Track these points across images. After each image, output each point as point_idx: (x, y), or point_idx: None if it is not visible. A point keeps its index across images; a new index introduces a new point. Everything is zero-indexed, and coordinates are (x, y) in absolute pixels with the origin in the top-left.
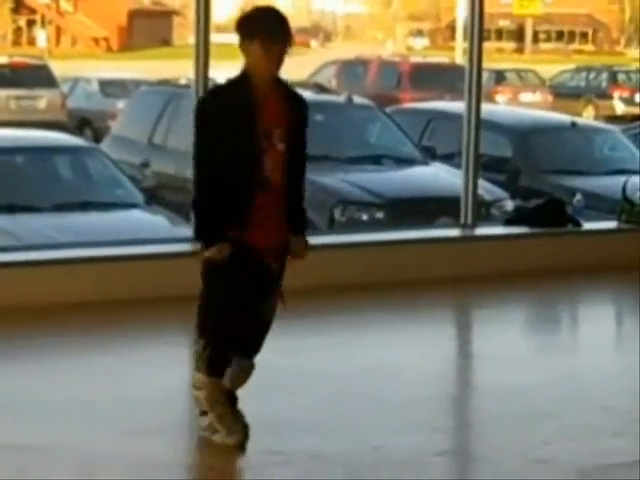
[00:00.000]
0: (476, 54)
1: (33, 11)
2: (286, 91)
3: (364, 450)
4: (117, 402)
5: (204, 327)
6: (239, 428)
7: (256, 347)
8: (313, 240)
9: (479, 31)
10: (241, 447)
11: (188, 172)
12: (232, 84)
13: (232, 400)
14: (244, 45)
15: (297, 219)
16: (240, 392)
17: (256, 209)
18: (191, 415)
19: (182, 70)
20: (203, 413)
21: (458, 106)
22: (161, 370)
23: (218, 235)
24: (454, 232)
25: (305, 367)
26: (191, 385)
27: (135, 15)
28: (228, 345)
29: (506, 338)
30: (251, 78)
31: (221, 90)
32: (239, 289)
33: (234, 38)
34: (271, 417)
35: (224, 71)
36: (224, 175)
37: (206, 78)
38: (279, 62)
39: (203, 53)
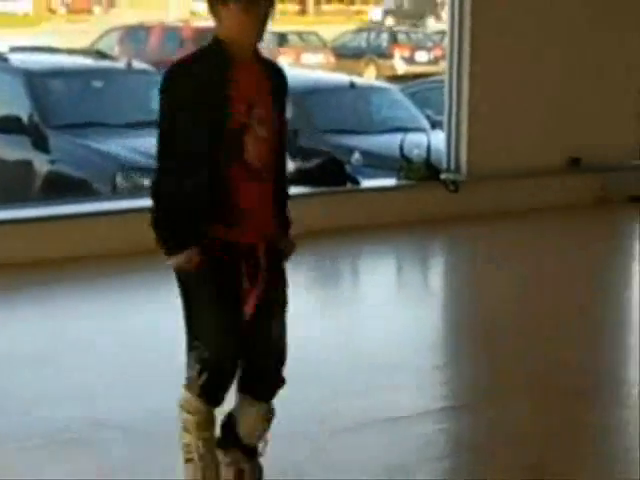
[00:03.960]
0: None
1: None
2: (266, 64)
3: (143, 414)
4: None
5: (196, 351)
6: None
7: (270, 386)
8: (98, 207)
9: None
10: None
11: None
12: (203, 53)
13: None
14: (215, 8)
15: (284, 218)
16: (14, 361)
17: (240, 201)
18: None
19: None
20: (187, 460)
21: None
22: None
23: (186, 240)
24: None
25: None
26: (179, 406)
27: None
28: (226, 373)
29: (290, 294)
30: (226, 46)
31: (190, 61)
32: (223, 309)
33: (15, 5)
34: (49, 388)
35: (6, 38)
36: (198, 164)
37: None
38: (262, 28)
39: None
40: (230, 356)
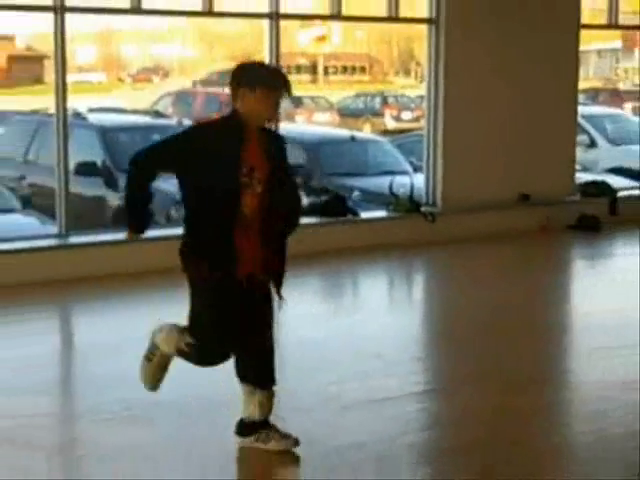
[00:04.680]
0: None
1: None
2: (267, 132)
3: (193, 396)
4: (2, 364)
5: (193, 333)
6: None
7: (268, 377)
8: (156, 233)
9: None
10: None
11: (54, 183)
12: (224, 120)
13: (268, 425)
14: (237, 89)
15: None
16: (94, 354)
17: (233, 245)
18: (60, 374)
19: (51, 102)
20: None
21: None
22: (34, 338)
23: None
24: None
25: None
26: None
27: (14, 59)
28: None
29: (303, 301)
30: (243, 119)
31: (212, 124)
32: (222, 318)
33: (92, 76)
34: (118, 374)
35: (85, 102)
36: (200, 209)
37: (65, 108)
38: (277, 108)
39: (61, 89)
40: (218, 354)
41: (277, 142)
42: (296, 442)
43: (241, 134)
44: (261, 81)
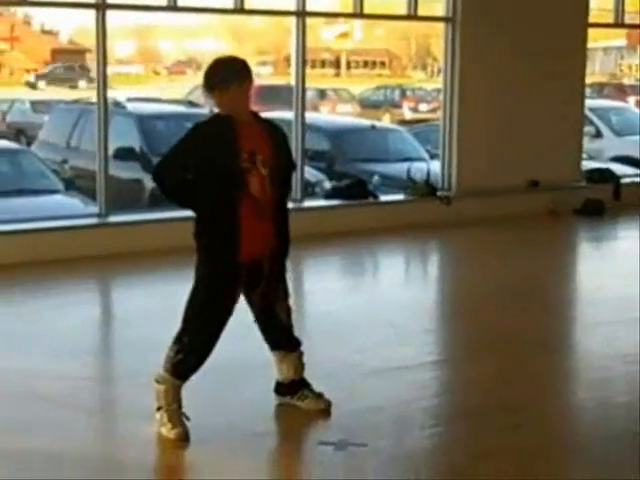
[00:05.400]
0: (301, 77)
1: None
2: (265, 123)
3: (220, 359)
4: (48, 332)
5: (179, 333)
6: (182, 425)
7: (292, 342)
8: (188, 213)
9: (302, 61)
10: (184, 439)
11: (95, 166)
12: (217, 117)
13: (305, 384)
14: (218, 91)
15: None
16: (131, 322)
17: (242, 224)
18: (101, 340)
19: (92, 92)
20: (158, 408)
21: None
22: (77, 308)
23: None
24: None
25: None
26: (155, 379)
27: (57, 52)
28: (198, 359)
29: (326, 277)
30: (227, 114)
31: (210, 120)
32: (218, 311)
33: (130, 68)
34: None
35: (124, 92)
36: (209, 194)
37: (105, 98)
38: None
39: (102, 80)
40: (206, 349)
41: (279, 133)
42: (328, 403)
43: (233, 124)
44: (233, 79)
